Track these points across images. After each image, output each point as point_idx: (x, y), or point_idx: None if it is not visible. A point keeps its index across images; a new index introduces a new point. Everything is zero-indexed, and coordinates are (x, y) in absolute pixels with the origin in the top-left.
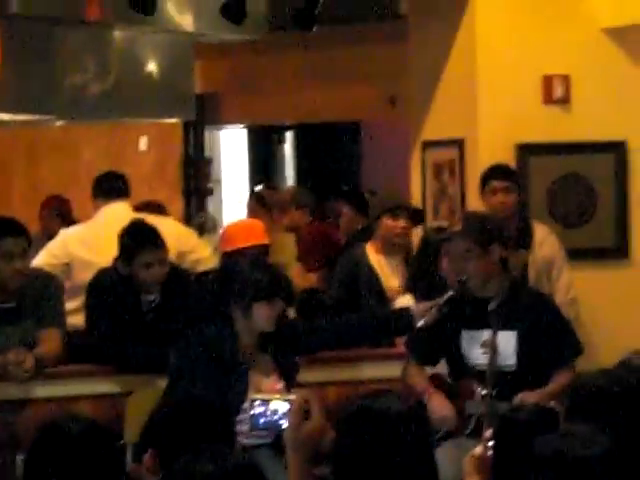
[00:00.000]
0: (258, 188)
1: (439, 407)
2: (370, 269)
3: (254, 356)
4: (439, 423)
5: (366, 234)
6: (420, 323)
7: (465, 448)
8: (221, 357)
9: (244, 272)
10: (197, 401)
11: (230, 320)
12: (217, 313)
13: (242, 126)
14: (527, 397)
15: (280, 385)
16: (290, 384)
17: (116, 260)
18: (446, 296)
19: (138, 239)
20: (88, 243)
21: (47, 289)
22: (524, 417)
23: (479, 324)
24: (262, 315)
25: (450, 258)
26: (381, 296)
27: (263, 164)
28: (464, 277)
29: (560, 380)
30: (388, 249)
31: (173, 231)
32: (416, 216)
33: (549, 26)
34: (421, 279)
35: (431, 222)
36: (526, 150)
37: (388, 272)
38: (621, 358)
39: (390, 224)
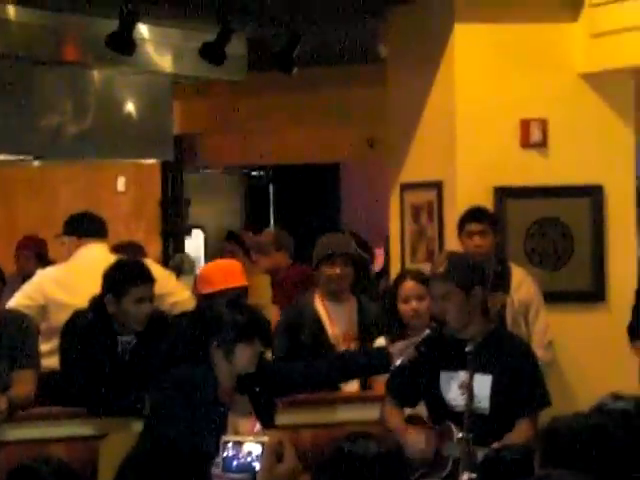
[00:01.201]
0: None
1: (415, 440)
2: (314, 316)
3: (232, 398)
4: (416, 455)
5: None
6: (397, 362)
7: None
8: (199, 399)
9: (223, 314)
10: (172, 445)
11: (208, 362)
12: (195, 355)
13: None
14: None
15: (258, 426)
16: (268, 425)
17: (96, 300)
18: (424, 334)
19: (132, 274)
20: (64, 284)
21: (21, 330)
22: (509, 456)
23: (457, 365)
24: (244, 356)
25: (432, 299)
26: (324, 343)
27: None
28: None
29: (518, 433)
30: (331, 296)
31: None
32: (356, 262)
33: (526, 71)
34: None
35: (409, 264)
36: (504, 193)
37: (333, 319)
38: (597, 401)
39: (327, 271)
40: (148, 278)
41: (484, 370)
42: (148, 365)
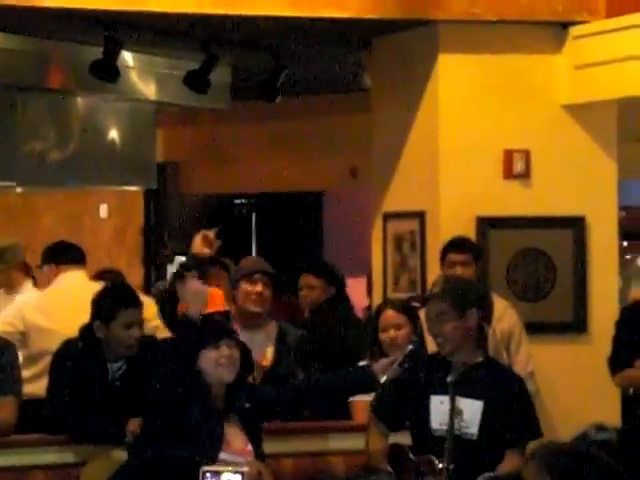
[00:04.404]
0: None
1: None
2: None
3: (224, 416)
4: None
5: (331, 304)
6: (382, 380)
7: None
8: (192, 400)
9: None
10: (161, 461)
11: (198, 371)
12: (186, 377)
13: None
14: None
15: (250, 447)
16: (257, 449)
17: (85, 328)
18: (406, 351)
19: (121, 299)
20: (45, 311)
21: (3, 357)
22: None
23: (444, 389)
24: (209, 361)
25: (427, 319)
26: None
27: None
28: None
29: (510, 464)
30: (245, 321)
31: None
32: (276, 282)
33: (510, 102)
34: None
35: (391, 294)
36: (486, 223)
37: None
38: (580, 432)
39: (247, 289)
40: (136, 302)
41: (475, 396)
42: (139, 391)
